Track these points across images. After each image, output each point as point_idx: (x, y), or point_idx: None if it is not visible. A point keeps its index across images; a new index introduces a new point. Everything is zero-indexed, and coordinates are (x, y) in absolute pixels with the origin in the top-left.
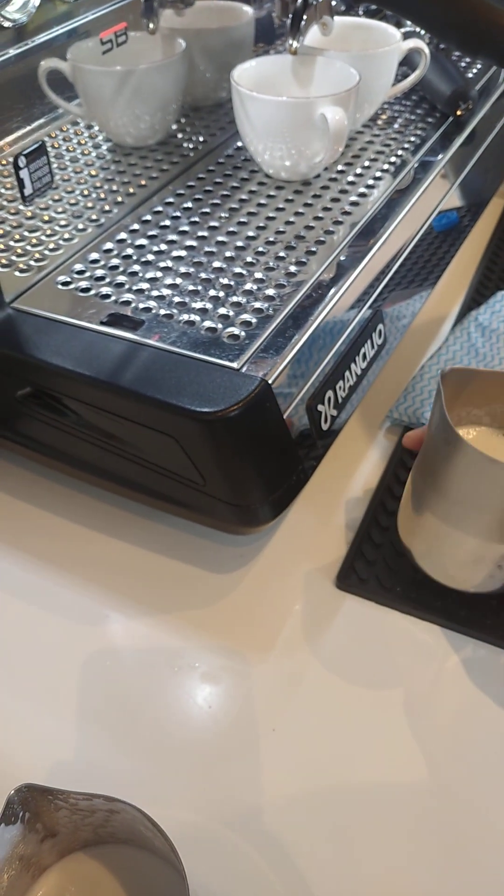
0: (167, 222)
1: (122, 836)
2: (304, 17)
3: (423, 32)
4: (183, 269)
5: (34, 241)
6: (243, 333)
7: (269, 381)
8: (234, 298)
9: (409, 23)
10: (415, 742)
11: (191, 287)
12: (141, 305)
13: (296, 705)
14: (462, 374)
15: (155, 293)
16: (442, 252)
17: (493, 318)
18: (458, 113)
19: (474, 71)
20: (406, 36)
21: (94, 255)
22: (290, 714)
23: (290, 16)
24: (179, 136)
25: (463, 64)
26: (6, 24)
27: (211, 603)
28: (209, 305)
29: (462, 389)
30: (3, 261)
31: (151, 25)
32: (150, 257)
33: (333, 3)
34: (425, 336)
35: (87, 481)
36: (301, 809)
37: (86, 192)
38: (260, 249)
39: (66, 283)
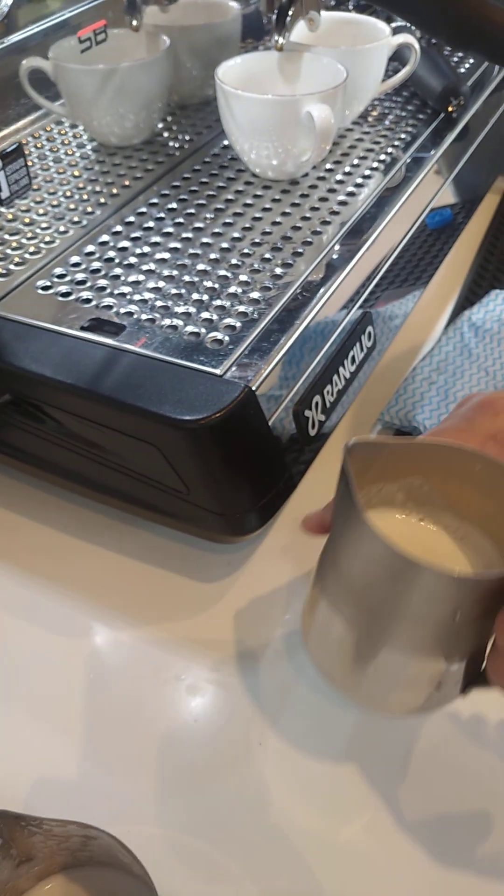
0: (151, 224)
1: (101, 860)
2: (290, 12)
3: (413, 28)
4: (166, 272)
5: (14, 244)
6: (227, 338)
7: (253, 388)
8: (219, 302)
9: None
10: (404, 752)
11: (174, 290)
12: (123, 310)
13: (284, 718)
14: (369, 447)
15: (137, 297)
16: (435, 250)
17: (486, 318)
18: (450, 109)
19: (466, 66)
20: (396, 31)
21: (76, 259)
22: (278, 727)
23: (276, 11)
24: (165, 134)
25: (454, 59)
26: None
27: (197, 613)
28: (192, 309)
29: (371, 463)
30: None
31: (135, 22)
32: (133, 260)
33: None
34: (418, 336)
35: (70, 489)
36: (289, 825)
37: (68, 194)
38: (245, 251)
39: (46, 288)
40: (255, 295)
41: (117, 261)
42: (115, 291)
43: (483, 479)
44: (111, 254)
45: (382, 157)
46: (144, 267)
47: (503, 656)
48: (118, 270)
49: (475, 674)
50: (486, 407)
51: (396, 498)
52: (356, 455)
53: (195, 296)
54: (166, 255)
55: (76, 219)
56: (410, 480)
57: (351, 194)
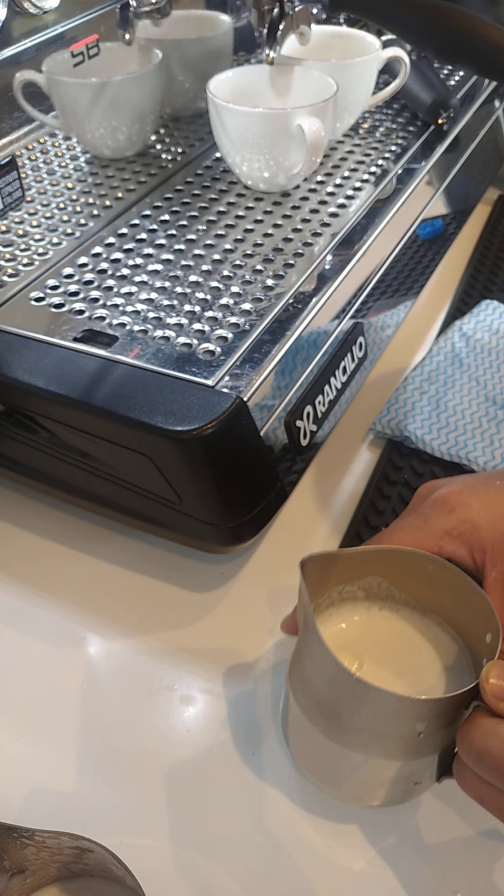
0: (143, 235)
1: (94, 872)
2: (281, 26)
3: (403, 41)
4: (159, 284)
5: (7, 255)
6: (219, 349)
7: (245, 399)
8: (211, 313)
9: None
10: None
11: (166, 302)
12: (115, 321)
13: (276, 729)
14: (323, 559)
15: (130, 308)
16: (426, 261)
17: (477, 328)
18: (440, 121)
19: (456, 79)
20: (386, 45)
21: (69, 270)
22: (271, 738)
23: (267, 26)
24: (158, 147)
25: (444, 72)
26: (33, 10)
27: (190, 623)
28: (185, 321)
29: (329, 569)
30: None
31: (127, 36)
32: (126, 271)
33: (315, 10)
34: (409, 346)
35: (63, 499)
36: (283, 836)
37: (62, 206)
38: (237, 262)
39: (39, 299)
40: (246, 306)
41: (110, 272)
42: (108, 303)
43: (436, 578)
44: (104, 265)
45: (373, 168)
46: (137, 278)
47: (468, 768)
48: (111, 282)
49: (449, 764)
50: (440, 504)
51: (358, 596)
52: (311, 566)
53: (187, 307)
54: (159, 267)
55: (69, 230)
56: (369, 580)
57: (342, 206)
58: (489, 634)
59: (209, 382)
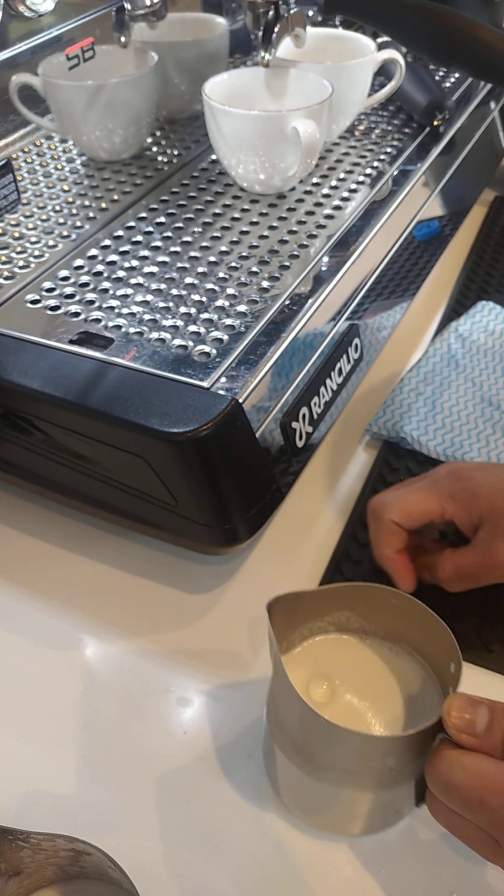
0: (139, 238)
1: (91, 874)
2: (276, 29)
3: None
4: (154, 286)
5: (3, 258)
6: (214, 351)
7: (240, 400)
8: (206, 315)
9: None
10: None
11: (162, 304)
12: (111, 323)
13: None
14: (289, 599)
15: (125, 310)
16: (423, 262)
17: (473, 329)
18: (435, 123)
19: (451, 81)
20: (381, 47)
21: (65, 272)
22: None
23: (262, 28)
24: (154, 149)
25: (439, 74)
26: (28, 14)
27: (187, 624)
28: (180, 323)
29: (297, 608)
30: None
31: (123, 39)
32: (122, 274)
33: (310, 13)
34: (405, 348)
35: (58, 501)
36: (280, 838)
37: (58, 208)
38: (233, 264)
39: (35, 302)
40: (242, 308)
41: (106, 274)
42: (104, 305)
43: (401, 610)
44: (100, 267)
45: (369, 170)
46: (133, 280)
47: (437, 800)
48: (107, 284)
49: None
50: (452, 473)
51: (328, 630)
52: (279, 607)
53: (183, 309)
54: (154, 269)
55: (65, 233)
56: (338, 615)
57: (337, 208)
58: (452, 664)
59: (205, 384)
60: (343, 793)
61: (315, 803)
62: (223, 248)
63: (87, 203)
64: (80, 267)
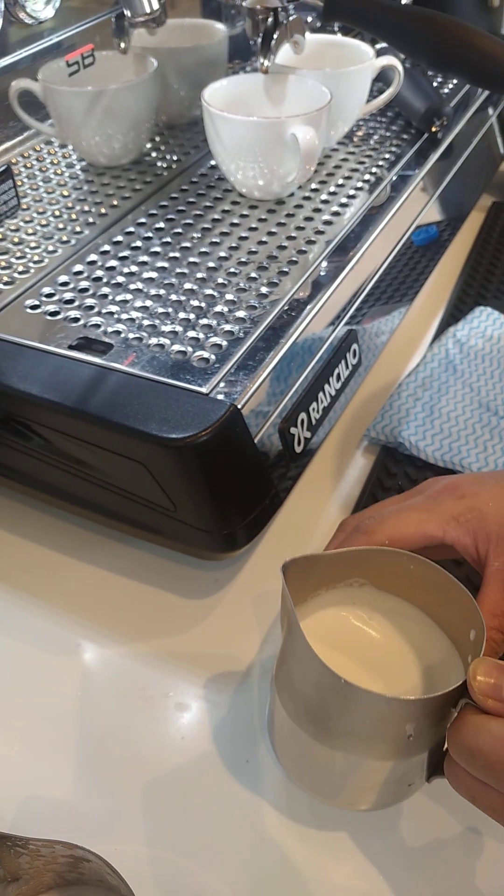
0: (139, 243)
1: (91, 881)
2: (275, 36)
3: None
4: (153, 292)
5: (3, 263)
6: (213, 357)
7: (239, 406)
8: (205, 321)
9: None
10: None
11: (161, 309)
12: (110, 329)
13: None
14: (304, 562)
15: (125, 316)
16: (421, 267)
17: (471, 334)
18: (434, 129)
19: (449, 87)
20: (380, 53)
21: (64, 278)
22: (265, 744)
23: (261, 34)
24: (153, 154)
25: (438, 80)
26: (28, 20)
27: (185, 630)
28: (179, 328)
29: (311, 572)
30: None
31: (123, 45)
32: (121, 279)
33: (309, 19)
34: (403, 353)
35: (57, 506)
36: (278, 844)
37: (57, 213)
38: (232, 270)
39: (34, 307)
40: (241, 314)
41: (105, 280)
42: (103, 310)
43: (419, 576)
44: (99, 273)
45: (367, 176)
46: (132, 286)
47: (459, 767)
48: (106, 289)
49: (439, 763)
50: (450, 489)
51: (341, 597)
52: (293, 570)
53: (182, 314)
54: (154, 275)
55: (65, 238)
56: (352, 581)
57: (336, 213)
58: (473, 631)
59: (203, 390)
60: (357, 763)
61: (327, 776)
62: (222, 254)
63: (86, 208)
64: (80, 272)
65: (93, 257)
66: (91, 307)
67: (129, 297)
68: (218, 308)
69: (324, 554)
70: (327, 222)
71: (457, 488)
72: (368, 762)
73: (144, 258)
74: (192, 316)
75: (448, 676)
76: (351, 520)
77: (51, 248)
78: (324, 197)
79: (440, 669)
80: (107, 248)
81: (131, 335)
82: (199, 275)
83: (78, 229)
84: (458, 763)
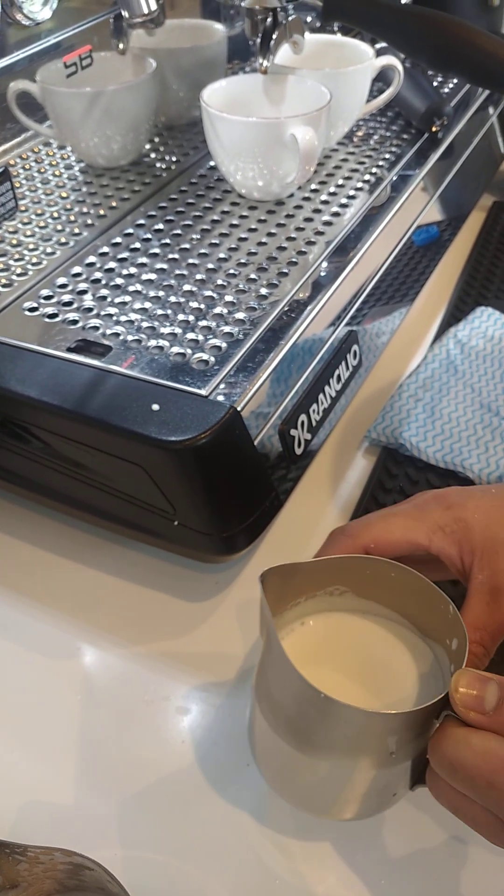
0: (138, 245)
1: (91, 888)
2: (275, 36)
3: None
4: (153, 293)
5: (1, 266)
6: (213, 359)
7: (239, 408)
8: (205, 322)
9: None
10: None
11: (160, 311)
12: (109, 331)
13: None
14: (283, 570)
15: (124, 318)
16: (422, 267)
17: (472, 335)
18: (434, 129)
19: (449, 87)
20: (380, 53)
21: (63, 280)
22: None
23: (260, 35)
24: (152, 155)
25: (438, 80)
26: (26, 22)
27: (185, 632)
28: (178, 330)
29: (291, 581)
30: None
31: (121, 45)
32: (120, 281)
33: (309, 19)
34: (404, 353)
35: (56, 509)
36: (279, 849)
37: (56, 215)
38: (231, 271)
39: (32, 309)
40: (240, 315)
41: (104, 282)
42: (102, 312)
43: (400, 584)
44: (98, 275)
45: (367, 176)
46: (131, 288)
47: (441, 780)
48: (105, 291)
49: (422, 772)
50: (439, 499)
51: (321, 605)
52: (272, 579)
53: (181, 316)
54: (153, 276)
55: (63, 240)
56: (331, 589)
57: (336, 214)
58: (455, 640)
59: (203, 392)
60: (339, 775)
61: (309, 787)
62: (221, 255)
63: (85, 210)
64: (79, 274)
65: (91, 259)
66: (90, 309)
67: (128, 298)
68: (217, 310)
69: (303, 563)
70: (327, 223)
71: (444, 499)
72: (351, 773)
73: (143, 260)
74: (191, 318)
75: (431, 683)
76: (339, 529)
77: (49, 250)
78: (324, 197)
79: (423, 676)
80: (105, 249)
81: (130, 337)
82: (199, 276)
83: (76, 231)
84: (439, 775)
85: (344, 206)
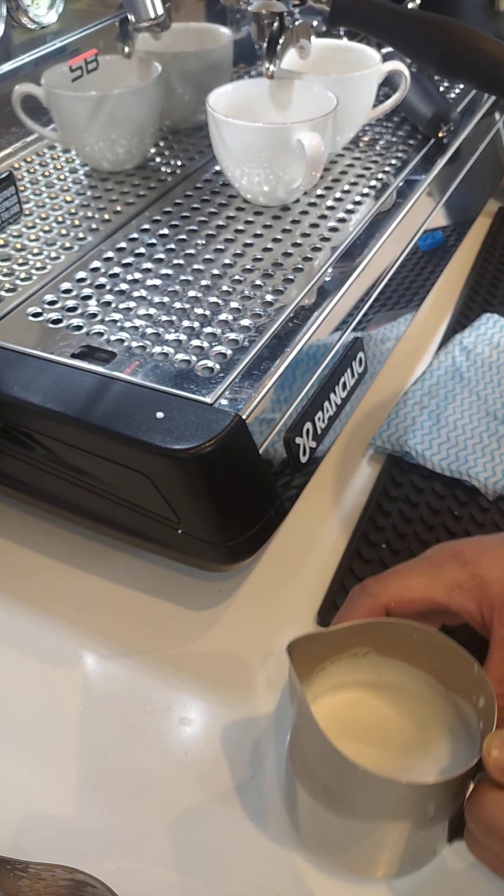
0: (142, 250)
1: None
2: (281, 40)
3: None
4: (157, 299)
5: (5, 270)
6: (218, 366)
7: (244, 416)
8: (210, 329)
9: None
10: None
11: (165, 317)
12: (113, 337)
13: (275, 750)
14: (308, 640)
15: (128, 324)
16: (427, 273)
17: (478, 341)
18: (440, 135)
19: (456, 92)
20: (386, 58)
21: (67, 285)
22: (270, 760)
23: (267, 39)
24: (157, 160)
25: (444, 86)
26: (31, 25)
27: (188, 642)
28: (183, 337)
29: (315, 647)
30: None
31: (127, 49)
32: (124, 286)
33: (315, 23)
34: (409, 360)
35: (60, 516)
36: (284, 861)
37: (60, 219)
38: (237, 277)
39: (36, 315)
40: (245, 322)
41: (108, 287)
42: (106, 318)
43: (423, 644)
44: (102, 280)
45: (373, 182)
46: (136, 293)
47: (478, 838)
48: (109, 297)
49: (460, 826)
50: (454, 556)
51: (347, 669)
52: (299, 649)
53: (186, 323)
54: (157, 282)
55: (68, 245)
56: (356, 650)
57: (342, 220)
58: (482, 698)
59: (208, 400)
60: (378, 837)
61: (352, 850)
62: (227, 261)
63: (89, 214)
64: (83, 279)
65: (96, 264)
66: (94, 315)
67: (132, 304)
68: (222, 316)
69: (326, 631)
70: (333, 229)
71: (460, 555)
72: (391, 836)
73: (148, 265)
74: (196, 324)
75: (462, 742)
76: (358, 588)
77: (53, 254)
78: (329, 203)
79: (452, 733)
80: (110, 254)
81: (135, 344)
82: (204, 282)
83: (81, 235)
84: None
85: (350, 211)
